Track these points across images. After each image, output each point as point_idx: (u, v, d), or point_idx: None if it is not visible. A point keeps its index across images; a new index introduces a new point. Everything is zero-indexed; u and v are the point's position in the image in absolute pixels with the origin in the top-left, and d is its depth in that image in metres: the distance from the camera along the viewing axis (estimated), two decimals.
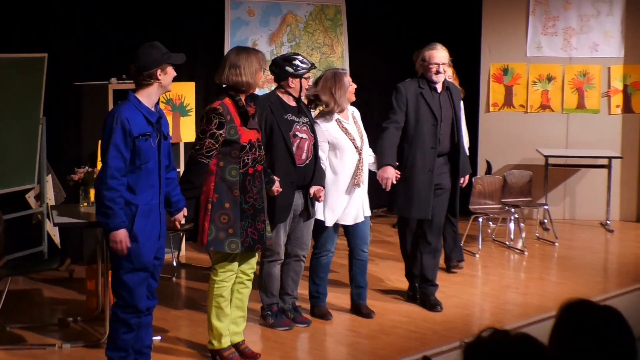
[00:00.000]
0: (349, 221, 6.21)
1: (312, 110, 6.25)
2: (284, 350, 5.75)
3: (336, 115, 6.16)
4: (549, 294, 7.02)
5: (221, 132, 5.13)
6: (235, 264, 5.35)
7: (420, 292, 6.67)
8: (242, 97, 5.25)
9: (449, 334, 5.96)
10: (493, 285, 7.32)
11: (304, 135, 5.88)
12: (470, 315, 6.55)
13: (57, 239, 7.64)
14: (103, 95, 7.47)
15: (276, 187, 5.62)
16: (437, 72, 6.39)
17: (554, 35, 10.00)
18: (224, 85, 5.29)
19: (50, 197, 7.52)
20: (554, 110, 10.04)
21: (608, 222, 9.62)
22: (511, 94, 10.07)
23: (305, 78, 5.93)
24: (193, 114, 8.03)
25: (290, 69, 5.87)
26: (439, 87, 6.47)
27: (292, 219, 5.95)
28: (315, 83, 6.25)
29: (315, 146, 5.95)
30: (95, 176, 6.14)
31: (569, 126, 10.01)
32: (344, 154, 6.14)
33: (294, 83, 5.89)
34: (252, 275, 5.50)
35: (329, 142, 6.11)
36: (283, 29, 9.12)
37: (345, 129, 6.16)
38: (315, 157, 5.94)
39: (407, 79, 6.57)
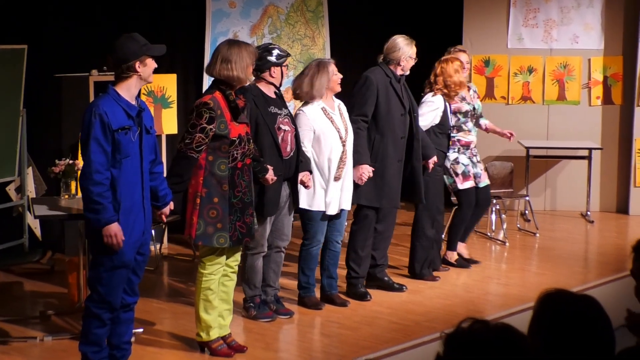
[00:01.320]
0: (333, 211, 6.22)
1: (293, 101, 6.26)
2: (267, 342, 5.77)
3: (321, 104, 6.17)
4: (530, 284, 7.07)
5: (211, 126, 5.10)
6: (223, 257, 5.35)
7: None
8: (233, 91, 5.24)
9: (431, 325, 5.99)
10: (474, 276, 7.36)
11: (287, 127, 5.88)
12: (452, 306, 6.58)
13: (38, 231, 7.61)
14: (84, 87, 7.44)
15: (270, 176, 5.58)
16: (409, 67, 6.63)
17: (535, 27, 10.04)
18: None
19: (31, 190, 7.49)
20: (535, 101, 10.08)
21: (588, 212, 9.68)
22: (492, 86, 10.10)
23: (285, 66, 5.95)
24: (175, 105, 8.01)
25: (272, 59, 5.87)
26: (400, 78, 6.61)
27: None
28: (301, 73, 6.26)
29: (297, 137, 5.95)
30: (76, 168, 6.13)
31: (549, 117, 10.06)
32: (328, 143, 6.14)
33: (275, 72, 5.89)
34: (236, 268, 5.50)
35: (314, 132, 6.11)
36: (264, 20, 9.10)
37: (331, 118, 6.17)
38: (298, 148, 5.95)
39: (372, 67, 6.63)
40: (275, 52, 5.89)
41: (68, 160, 6.22)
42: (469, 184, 7.45)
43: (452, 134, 7.38)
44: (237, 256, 5.49)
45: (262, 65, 5.88)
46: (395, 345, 5.61)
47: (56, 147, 7.62)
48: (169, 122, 7.96)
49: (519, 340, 2.12)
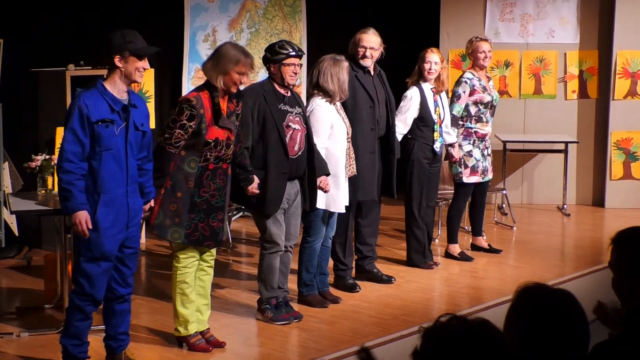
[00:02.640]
0: (341, 209, 6.22)
1: (315, 97, 6.14)
2: (246, 337, 5.77)
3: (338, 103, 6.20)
4: (507, 277, 7.11)
5: (191, 123, 5.09)
6: (197, 250, 5.34)
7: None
8: (223, 95, 5.21)
9: (408, 319, 6.01)
10: (452, 270, 7.39)
11: (297, 127, 5.79)
12: (430, 300, 6.61)
13: (14, 226, 7.57)
14: (60, 82, 7.40)
15: (252, 188, 5.55)
16: (364, 56, 6.55)
17: (512, 22, 10.08)
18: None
19: (7, 185, 7.44)
20: (512, 95, 10.13)
21: (565, 206, 9.74)
22: None
23: (285, 64, 5.75)
24: (152, 100, 7.98)
25: (268, 54, 5.81)
26: (372, 71, 6.58)
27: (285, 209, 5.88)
28: (318, 70, 6.16)
29: (308, 137, 5.86)
30: (52, 163, 6.10)
31: (526, 111, 10.12)
32: (338, 139, 6.14)
33: (274, 69, 5.78)
34: (212, 263, 5.49)
35: (331, 127, 6.10)
36: (242, 15, 9.08)
37: (340, 114, 6.19)
38: (309, 148, 5.86)
39: None
40: (275, 47, 5.79)
41: (44, 155, 6.18)
42: (475, 179, 7.55)
43: (469, 124, 7.43)
44: (213, 251, 5.47)
45: (263, 61, 5.85)
46: (373, 339, 5.63)
47: (33, 142, 7.57)
48: None
49: (495, 337, 2.14)
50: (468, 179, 7.53)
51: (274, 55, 5.76)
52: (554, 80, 10.08)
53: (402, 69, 7.37)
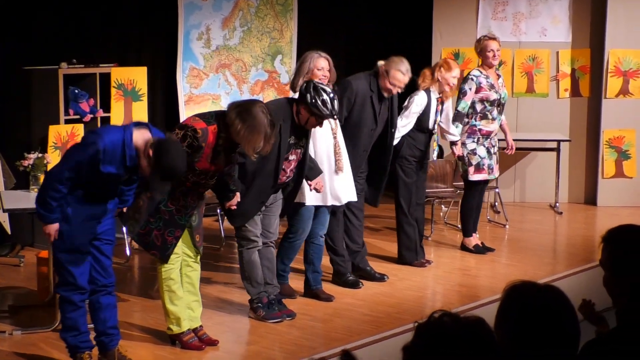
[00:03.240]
0: (327, 202, 6.26)
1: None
2: (238, 335, 5.78)
3: None
4: (500, 275, 7.12)
5: (189, 151, 5.00)
6: (178, 246, 5.31)
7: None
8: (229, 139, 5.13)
9: (401, 316, 6.02)
10: (445, 268, 7.41)
11: (293, 157, 5.79)
12: (423, 298, 6.63)
13: (7, 225, 7.54)
14: (53, 80, 7.39)
15: (230, 204, 5.54)
16: (391, 90, 6.61)
17: (504, 20, 10.09)
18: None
19: None
20: None
21: (557, 204, 9.76)
22: (462, 79, 10.11)
23: (315, 117, 5.64)
24: (145, 98, 7.98)
25: (308, 99, 5.62)
26: (386, 94, 6.66)
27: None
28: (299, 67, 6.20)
29: (301, 165, 5.86)
30: (45, 162, 6.10)
31: (518, 110, 10.13)
32: (321, 135, 6.14)
33: (303, 112, 5.66)
34: (197, 258, 5.47)
35: None
36: (235, 13, 9.08)
37: None
38: (299, 175, 5.88)
39: (358, 73, 6.67)
40: (319, 101, 5.58)
41: (37, 153, 6.18)
42: (481, 176, 7.63)
43: (474, 122, 7.46)
44: (196, 248, 5.47)
45: (302, 95, 5.68)
46: (366, 337, 5.64)
47: (25, 140, 7.55)
48: (139, 115, 7.92)
49: (486, 335, 2.15)
50: (473, 176, 7.61)
51: (312, 107, 5.61)
52: (546, 79, 10.10)
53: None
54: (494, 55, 7.55)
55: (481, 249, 7.79)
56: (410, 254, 7.32)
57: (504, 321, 2.46)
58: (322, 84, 5.77)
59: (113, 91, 7.73)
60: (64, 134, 7.24)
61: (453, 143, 7.48)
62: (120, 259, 7.36)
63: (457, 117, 7.47)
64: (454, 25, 10.07)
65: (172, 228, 5.22)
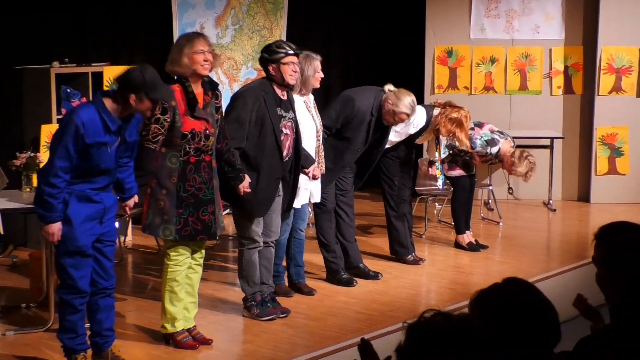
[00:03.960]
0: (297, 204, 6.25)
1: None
2: (232, 334, 5.77)
3: (303, 97, 6.18)
4: (494, 272, 7.12)
5: (165, 117, 5.07)
6: (189, 248, 5.33)
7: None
8: (196, 84, 5.19)
9: (395, 314, 6.02)
10: (439, 265, 7.41)
11: (288, 132, 5.79)
12: (417, 295, 6.63)
13: None
14: (45, 79, 7.37)
15: (243, 187, 5.54)
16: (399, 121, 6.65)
17: (497, 18, 10.10)
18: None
19: None
20: (497, 91, 10.15)
21: (551, 201, 9.77)
22: (455, 76, 10.15)
23: (284, 63, 5.69)
24: None
25: (266, 55, 5.74)
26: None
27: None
28: None
29: (296, 143, 5.87)
30: (37, 161, 6.08)
31: (512, 107, 10.14)
32: (306, 137, 6.14)
33: (273, 69, 5.72)
34: (200, 261, 5.48)
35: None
36: (228, 12, 9.06)
37: (311, 111, 6.20)
38: (296, 153, 5.88)
39: (366, 87, 6.74)
40: (272, 47, 5.74)
41: (29, 153, 6.16)
42: (457, 172, 7.70)
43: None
44: (202, 250, 5.48)
45: (260, 62, 5.81)
46: (360, 335, 5.62)
47: (17, 139, 7.53)
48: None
49: (478, 332, 2.15)
50: (449, 173, 7.74)
51: (272, 55, 5.70)
52: (539, 76, 10.10)
53: (388, 66, 7.37)
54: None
55: (475, 247, 7.80)
56: (402, 248, 7.33)
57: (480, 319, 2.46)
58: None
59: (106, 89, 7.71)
60: None
61: (431, 163, 7.57)
62: (114, 259, 7.33)
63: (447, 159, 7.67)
64: (446, 23, 10.07)
65: (203, 207, 5.23)
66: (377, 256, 7.56)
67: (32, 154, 6.11)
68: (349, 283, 6.67)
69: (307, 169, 6.07)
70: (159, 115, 5.04)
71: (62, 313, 4.89)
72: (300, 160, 5.94)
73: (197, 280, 5.49)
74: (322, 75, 6.29)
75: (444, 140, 7.39)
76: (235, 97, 5.80)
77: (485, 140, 7.80)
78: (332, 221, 6.72)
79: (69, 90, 7.57)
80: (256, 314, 5.88)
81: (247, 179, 5.56)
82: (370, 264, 7.07)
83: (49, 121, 7.32)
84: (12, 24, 7.61)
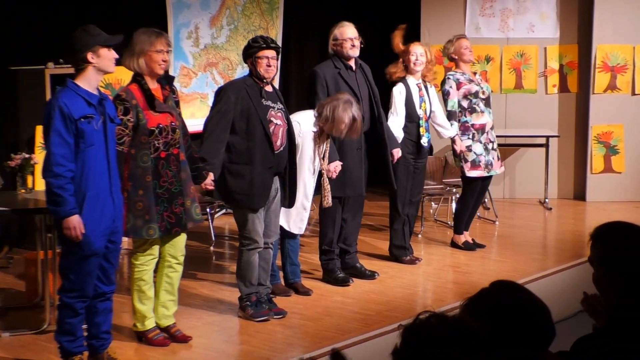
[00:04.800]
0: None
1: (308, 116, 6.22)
2: (228, 335, 5.76)
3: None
4: (490, 271, 7.13)
5: (128, 117, 5.10)
6: (156, 247, 5.37)
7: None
8: (152, 80, 5.24)
9: (392, 314, 6.01)
10: (435, 265, 7.41)
11: (279, 122, 5.80)
12: (413, 295, 6.62)
13: None
14: (40, 80, 7.36)
15: (206, 184, 5.59)
16: (353, 46, 6.62)
17: (492, 17, 10.10)
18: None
19: None
20: (493, 90, 10.12)
21: (547, 200, 9.78)
22: None
23: (259, 57, 5.74)
24: None
25: (244, 50, 5.85)
26: (354, 66, 6.61)
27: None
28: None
29: (289, 133, 5.88)
30: (32, 162, 6.06)
31: (507, 106, 10.14)
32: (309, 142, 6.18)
33: (250, 64, 5.80)
34: (181, 260, 5.51)
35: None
36: (223, 12, 9.06)
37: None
38: (290, 144, 5.87)
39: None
40: (249, 42, 5.83)
41: (24, 154, 6.15)
42: (477, 173, 7.64)
43: (464, 118, 7.50)
44: (181, 246, 5.49)
45: (243, 57, 5.88)
46: (357, 335, 5.63)
47: (12, 140, 7.52)
48: None
49: (474, 334, 2.14)
50: (470, 172, 7.61)
51: (248, 50, 5.80)
52: (534, 75, 10.11)
53: (384, 65, 7.36)
54: (471, 51, 7.61)
55: (471, 246, 7.79)
56: (399, 250, 7.33)
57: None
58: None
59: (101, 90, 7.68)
60: None
61: (453, 140, 7.52)
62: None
63: (450, 116, 7.53)
64: (441, 22, 10.07)
65: (174, 200, 5.27)
66: (374, 256, 7.56)
67: (27, 155, 6.10)
68: (344, 282, 6.67)
69: (330, 163, 6.15)
70: (121, 117, 5.06)
71: (61, 315, 4.87)
72: (294, 153, 5.92)
73: (177, 279, 5.53)
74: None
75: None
76: (218, 92, 5.88)
77: (442, 80, 7.73)
78: (333, 222, 6.68)
79: None
80: (250, 315, 5.89)
81: (210, 176, 5.59)
82: (366, 263, 7.07)
83: None
84: (7, 24, 7.60)
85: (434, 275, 7.13)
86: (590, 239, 2.98)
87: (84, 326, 4.99)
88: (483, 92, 7.64)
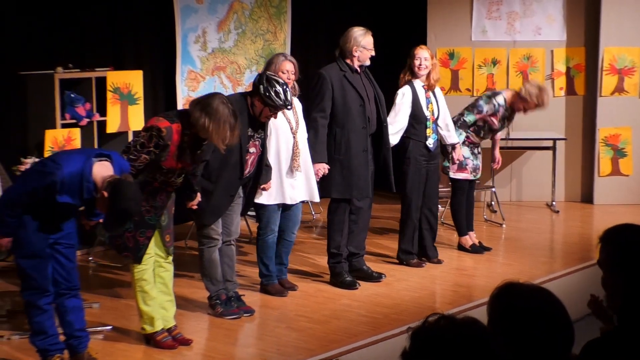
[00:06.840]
0: (286, 200, 6.35)
1: None
2: (235, 338, 5.78)
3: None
4: (497, 275, 7.13)
5: (157, 151, 5.12)
6: (150, 245, 5.37)
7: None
8: (193, 135, 5.21)
9: (399, 317, 6.03)
10: (442, 268, 7.41)
11: (253, 150, 5.90)
12: (420, 298, 6.63)
13: None
14: (49, 85, 7.38)
15: (191, 204, 5.64)
16: (371, 56, 6.69)
17: (498, 20, 10.10)
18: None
19: None
20: None
21: (554, 202, 9.77)
22: (457, 78, 10.16)
23: (270, 110, 5.79)
24: (141, 102, 7.97)
25: (262, 90, 5.76)
26: (358, 69, 6.67)
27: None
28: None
29: (260, 159, 5.98)
30: None
31: None
32: (280, 134, 6.25)
33: (257, 103, 5.80)
34: (170, 259, 5.54)
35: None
36: (230, 16, 9.08)
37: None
38: (258, 170, 5.99)
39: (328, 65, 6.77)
40: (272, 91, 5.73)
41: (34, 158, 6.18)
42: (463, 175, 7.72)
43: (468, 131, 7.67)
44: (171, 249, 5.53)
45: (255, 87, 5.83)
46: (364, 338, 5.64)
47: (21, 144, 7.54)
48: (135, 119, 7.91)
49: (484, 336, 2.15)
50: (455, 174, 7.67)
51: (266, 98, 5.75)
52: (541, 78, 10.10)
53: (390, 69, 7.39)
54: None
55: (478, 249, 7.80)
56: (406, 255, 7.34)
57: (493, 325, 2.46)
58: (275, 75, 5.91)
59: (109, 95, 7.73)
60: (60, 139, 7.24)
61: (452, 146, 7.52)
62: (118, 264, 7.35)
63: (462, 126, 7.59)
64: (448, 26, 10.08)
65: (143, 229, 5.29)
66: (381, 256, 7.57)
67: (37, 159, 6.13)
68: (351, 285, 6.68)
69: (263, 184, 6.16)
70: (152, 149, 5.09)
71: (29, 316, 4.94)
72: (260, 174, 6.04)
73: (169, 278, 5.55)
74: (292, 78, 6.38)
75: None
76: None
77: (487, 96, 7.77)
78: (340, 225, 6.71)
79: (72, 95, 7.59)
80: (219, 313, 5.97)
81: (198, 198, 5.65)
82: (373, 266, 7.08)
83: (53, 126, 7.34)
84: (16, 30, 7.63)
85: (441, 278, 7.14)
86: (600, 242, 2.99)
87: (60, 331, 5.03)
88: (503, 128, 8.03)
